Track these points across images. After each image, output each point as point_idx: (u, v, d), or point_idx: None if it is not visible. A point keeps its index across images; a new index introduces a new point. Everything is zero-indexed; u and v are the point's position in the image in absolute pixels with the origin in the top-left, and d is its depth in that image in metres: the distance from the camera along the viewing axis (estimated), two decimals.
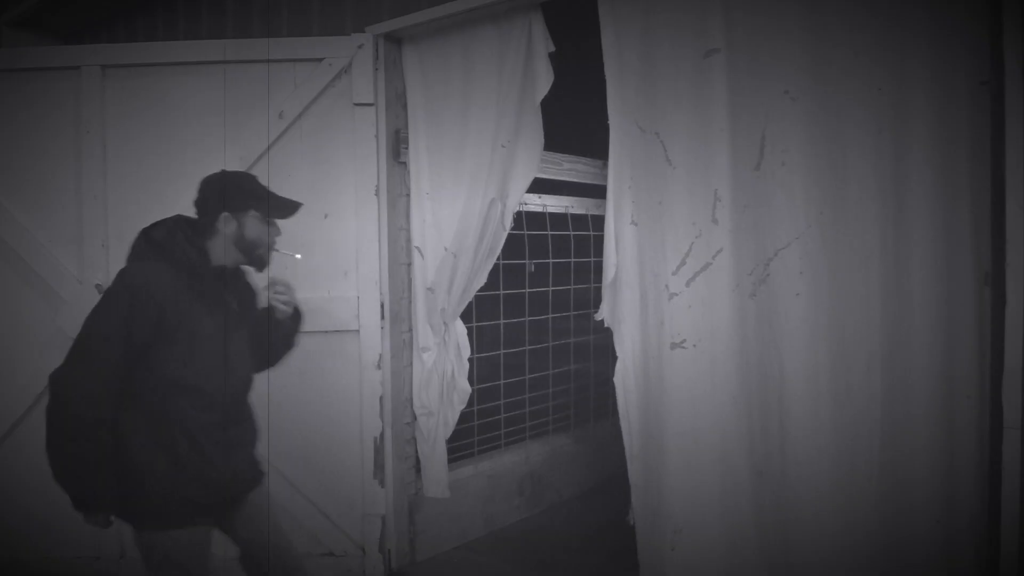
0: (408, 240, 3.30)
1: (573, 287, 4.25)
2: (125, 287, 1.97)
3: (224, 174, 2.20)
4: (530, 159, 3.10)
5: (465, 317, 3.41)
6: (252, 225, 2.13)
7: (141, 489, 1.97)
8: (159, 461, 1.99)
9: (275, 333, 2.30)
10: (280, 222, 2.21)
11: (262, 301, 2.27)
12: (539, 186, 3.66)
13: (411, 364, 3.32)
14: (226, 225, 2.10)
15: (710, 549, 2.52)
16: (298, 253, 2.45)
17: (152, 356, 1.97)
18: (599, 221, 3.49)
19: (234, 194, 2.13)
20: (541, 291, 4.09)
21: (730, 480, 2.50)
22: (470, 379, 3.38)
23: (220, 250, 2.11)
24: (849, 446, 2.28)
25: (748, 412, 2.47)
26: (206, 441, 2.05)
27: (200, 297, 2.06)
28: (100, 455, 1.92)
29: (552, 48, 2.95)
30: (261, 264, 2.18)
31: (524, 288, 3.97)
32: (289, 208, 2.19)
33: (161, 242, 2.05)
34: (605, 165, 2.79)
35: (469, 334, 3.42)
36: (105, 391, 1.92)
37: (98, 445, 1.91)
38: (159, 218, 2.17)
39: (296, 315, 2.33)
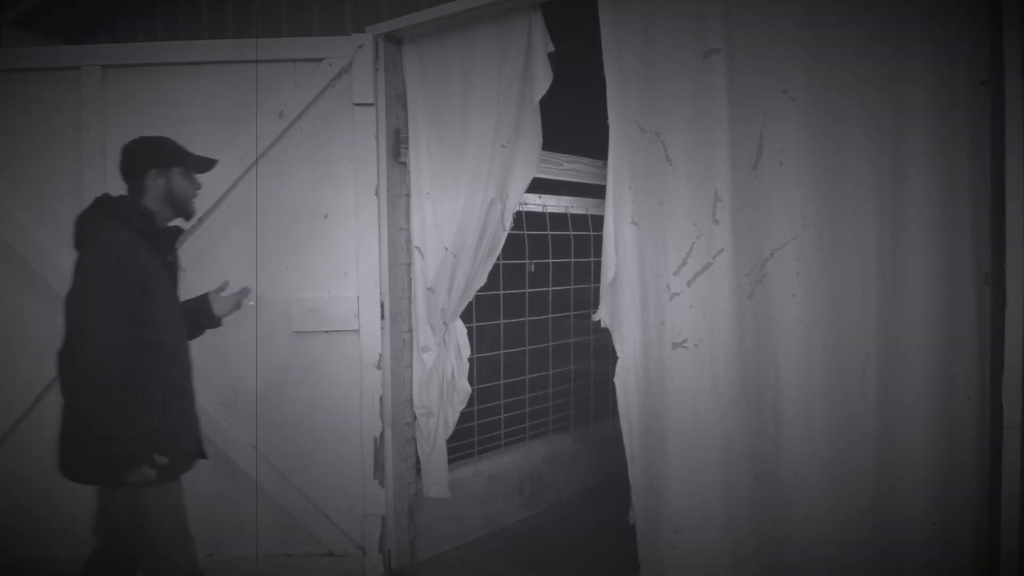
0: (408, 240, 3.30)
1: (573, 287, 4.25)
2: (109, 255, 2.08)
3: (143, 138, 2.34)
4: (530, 159, 3.10)
5: (465, 317, 3.41)
6: (178, 179, 2.30)
7: (114, 448, 2.05)
8: (133, 425, 2.09)
9: (205, 320, 2.53)
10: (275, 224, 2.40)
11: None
12: (539, 186, 3.66)
13: (411, 364, 3.32)
14: (155, 182, 2.26)
15: (711, 548, 2.53)
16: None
17: (138, 317, 2.10)
18: (599, 221, 3.49)
19: (157, 153, 2.30)
20: (541, 291, 4.09)
21: (731, 480, 2.50)
22: (470, 379, 3.38)
23: (156, 207, 2.26)
24: (844, 448, 2.28)
25: (747, 413, 2.47)
26: (184, 401, 2.26)
27: (157, 257, 2.21)
28: (132, 413, 2.06)
29: (552, 48, 2.95)
30: (190, 216, 2.37)
31: (524, 288, 3.97)
32: (207, 164, 2.39)
33: (117, 211, 2.19)
34: (605, 165, 2.79)
35: (469, 334, 3.42)
36: (117, 356, 2.04)
37: (129, 404, 2.06)
38: None
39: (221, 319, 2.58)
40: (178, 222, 2.35)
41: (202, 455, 2.38)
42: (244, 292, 2.60)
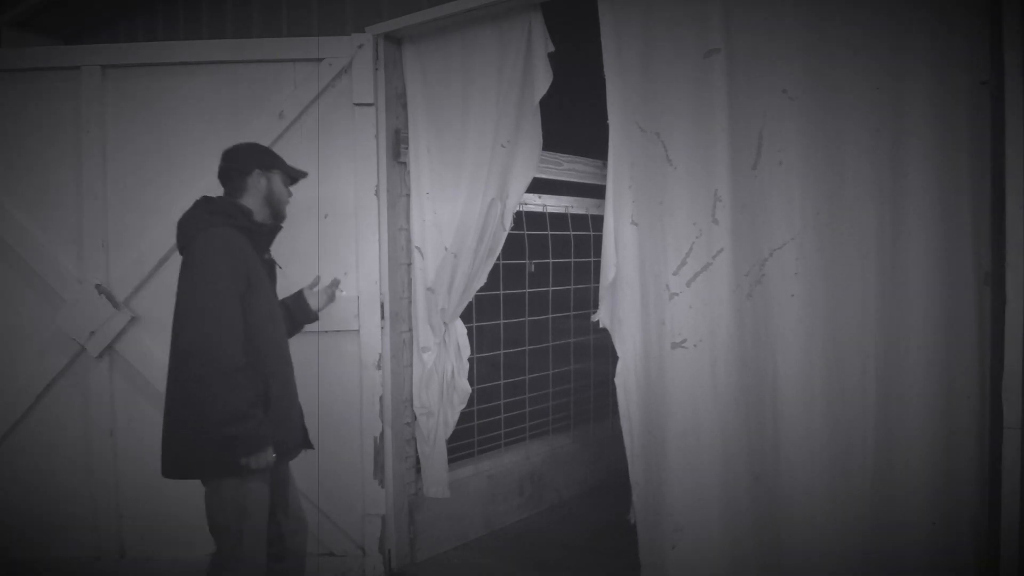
0: (408, 240, 3.30)
1: (573, 287, 4.25)
2: (219, 247, 2.17)
3: (242, 144, 2.46)
4: (529, 159, 3.10)
5: (465, 317, 3.41)
6: (278, 182, 2.42)
7: (238, 429, 2.09)
8: (257, 406, 2.13)
9: (302, 316, 2.66)
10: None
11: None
12: (539, 186, 3.66)
13: (411, 364, 3.32)
14: (257, 181, 2.37)
15: (711, 547, 2.53)
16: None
17: (245, 308, 2.16)
18: (599, 221, 3.50)
19: (260, 156, 2.42)
20: (541, 291, 4.09)
21: (731, 480, 2.50)
22: (470, 379, 3.38)
23: (256, 206, 2.37)
24: (843, 447, 2.28)
25: (746, 413, 2.47)
26: (287, 393, 2.32)
27: (257, 253, 2.29)
28: (257, 396, 2.14)
29: (551, 48, 2.95)
30: (282, 219, 2.47)
31: (524, 288, 3.97)
32: (300, 173, 2.53)
33: (220, 209, 2.27)
34: (605, 165, 2.79)
35: (469, 334, 3.41)
36: (241, 342, 2.13)
37: (253, 389, 2.13)
38: (158, 218, 2.25)
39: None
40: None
41: (308, 445, 2.44)
42: (335, 284, 2.76)
